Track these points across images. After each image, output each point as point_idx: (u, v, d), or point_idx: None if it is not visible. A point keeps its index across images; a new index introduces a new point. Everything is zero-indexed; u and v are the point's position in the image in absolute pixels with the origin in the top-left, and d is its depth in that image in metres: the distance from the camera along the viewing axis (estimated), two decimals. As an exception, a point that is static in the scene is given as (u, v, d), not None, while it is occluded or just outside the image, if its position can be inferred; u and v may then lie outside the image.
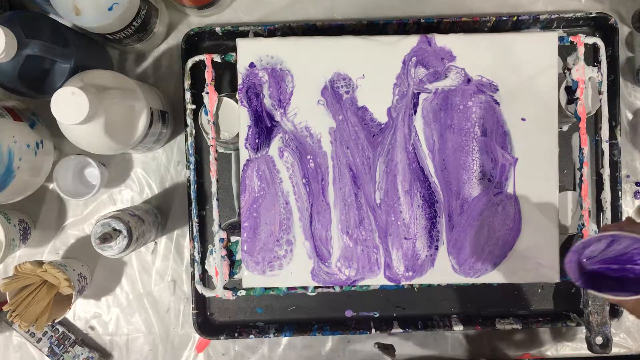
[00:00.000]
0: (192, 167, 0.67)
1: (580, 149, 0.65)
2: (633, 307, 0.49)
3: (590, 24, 0.71)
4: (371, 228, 0.64)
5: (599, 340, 0.66)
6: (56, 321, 0.70)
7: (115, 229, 0.63)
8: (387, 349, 0.67)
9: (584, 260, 0.52)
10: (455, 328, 0.70)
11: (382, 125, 0.64)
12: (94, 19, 0.58)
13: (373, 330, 0.70)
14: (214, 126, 0.65)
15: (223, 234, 0.66)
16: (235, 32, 0.69)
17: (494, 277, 0.65)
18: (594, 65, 0.66)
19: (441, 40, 0.64)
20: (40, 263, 0.66)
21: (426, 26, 0.69)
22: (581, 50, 0.65)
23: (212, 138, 0.65)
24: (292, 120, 0.64)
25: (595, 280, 0.51)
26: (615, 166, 0.69)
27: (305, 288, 0.67)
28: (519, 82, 0.64)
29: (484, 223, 0.64)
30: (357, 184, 0.64)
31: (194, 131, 0.67)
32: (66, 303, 0.68)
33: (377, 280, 0.65)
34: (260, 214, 0.64)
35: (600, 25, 0.70)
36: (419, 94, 0.64)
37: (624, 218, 0.70)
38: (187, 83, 0.67)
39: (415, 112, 0.64)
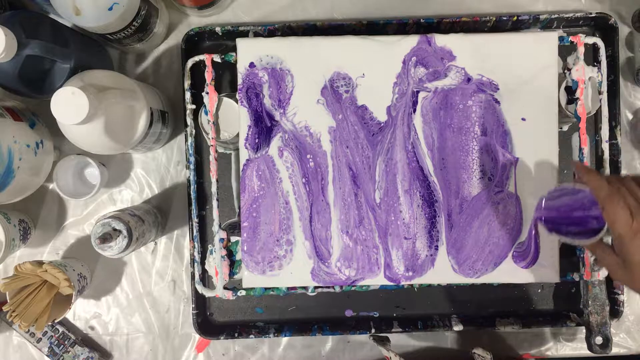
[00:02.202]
0: (192, 167, 0.67)
1: (580, 149, 0.65)
2: (592, 249, 0.55)
3: (590, 24, 0.71)
4: (371, 228, 0.64)
5: (599, 340, 0.66)
6: (56, 321, 0.70)
7: (115, 229, 0.63)
8: (382, 340, 0.67)
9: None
10: (455, 328, 0.70)
11: (382, 124, 0.64)
12: (94, 19, 0.58)
13: (373, 330, 0.70)
14: (214, 126, 0.65)
15: (223, 234, 0.66)
16: (235, 32, 0.69)
17: (494, 277, 0.65)
18: (594, 65, 0.66)
19: (441, 40, 0.64)
20: (40, 263, 0.66)
21: (426, 26, 0.69)
22: (581, 50, 0.65)
23: (212, 138, 0.65)
24: (291, 119, 0.64)
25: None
26: (615, 166, 0.69)
27: (305, 288, 0.67)
28: (519, 82, 0.64)
29: (484, 223, 0.64)
30: (356, 184, 0.64)
31: (194, 131, 0.68)
32: (66, 303, 0.68)
33: (377, 280, 0.65)
34: (260, 214, 0.64)
35: (600, 25, 0.70)
36: (418, 92, 0.64)
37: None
38: (187, 83, 0.67)
39: (414, 110, 0.64)
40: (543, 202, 0.58)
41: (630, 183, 0.51)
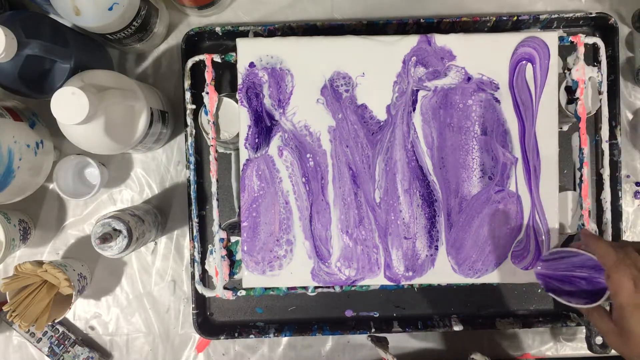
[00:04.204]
0: (192, 167, 0.67)
1: (580, 149, 0.65)
2: (589, 313, 0.56)
3: (590, 24, 0.71)
4: (371, 227, 0.64)
5: (599, 340, 0.66)
6: (56, 321, 0.70)
7: (115, 229, 0.63)
8: (380, 341, 0.67)
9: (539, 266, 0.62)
10: (455, 328, 0.70)
11: (381, 123, 0.64)
12: (94, 19, 0.58)
13: (373, 330, 0.70)
14: (214, 126, 0.65)
15: (223, 234, 0.66)
16: (235, 32, 0.69)
17: (494, 277, 0.65)
18: (594, 65, 0.66)
19: (441, 40, 0.64)
20: (40, 263, 0.66)
21: (426, 26, 0.69)
22: (581, 50, 0.65)
23: (212, 138, 0.65)
24: (291, 119, 0.64)
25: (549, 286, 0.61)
26: (615, 166, 0.69)
27: (305, 288, 0.66)
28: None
29: (484, 222, 0.64)
30: (356, 183, 0.64)
31: (194, 131, 0.67)
32: (66, 303, 0.68)
33: (377, 280, 0.65)
34: (260, 214, 0.64)
35: (600, 25, 0.70)
36: (418, 91, 0.64)
37: (623, 217, 0.70)
38: (187, 83, 0.67)
39: (414, 109, 0.64)
40: (542, 258, 0.62)
41: (633, 252, 0.52)
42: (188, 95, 0.67)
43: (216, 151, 0.66)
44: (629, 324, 0.50)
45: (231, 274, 0.66)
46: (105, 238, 0.62)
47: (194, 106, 0.67)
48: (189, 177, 0.68)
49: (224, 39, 0.71)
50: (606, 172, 0.67)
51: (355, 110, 0.64)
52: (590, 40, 0.66)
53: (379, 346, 0.66)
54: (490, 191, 0.64)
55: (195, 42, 0.71)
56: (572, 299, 0.58)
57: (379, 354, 0.72)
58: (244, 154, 0.64)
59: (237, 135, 0.65)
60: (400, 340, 0.74)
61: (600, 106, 0.66)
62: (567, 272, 0.59)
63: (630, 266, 0.51)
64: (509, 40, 0.64)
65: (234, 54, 0.65)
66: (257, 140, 0.64)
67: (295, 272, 0.65)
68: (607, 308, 0.58)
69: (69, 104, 0.53)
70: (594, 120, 0.70)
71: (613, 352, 0.68)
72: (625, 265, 0.51)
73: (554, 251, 0.62)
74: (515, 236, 0.64)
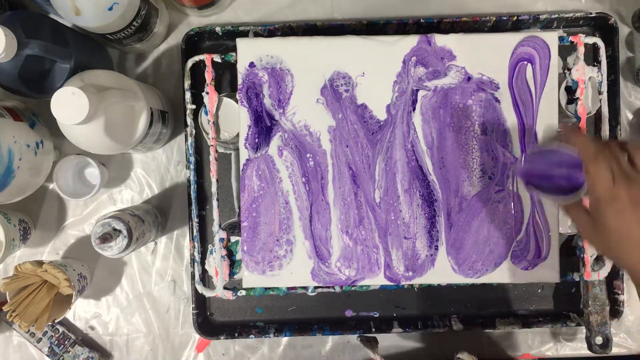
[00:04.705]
0: (192, 167, 0.67)
1: (580, 149, 0.65)
2: (567, 208, 0.56)
3: (590, 24, 0.71)
4: (371, 227, 0.64)
5: (599, 340, 0.66)
6: (56, 321, 0.70)
7: (115, 229, 0.63)
8: (370, 341, 0.67)
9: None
10: (455, 328, 0.70)
11: (381, 123, 0.64)
12: (94, 19, 0.58)
13: (373, 330, 0.70)
14: (214, 126, 0.65)
15: (223, 234, 0.66)
16: (235, 32, 0.69)
17: (494, 277, 0.65)
18: (594, 65, 0.66)
19: (441, 40, 0.64)
20: (40, 263, 0.66)
21: (426, 26, 0.69)
22: (581, 50, 0.65)
23: (212, 138, 0.65)
24: (291, 119, 0.64)
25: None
26: (615, 166, 0.69)
27: (305, 288, 0.67)
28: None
29: (484, 222, 0.64)
30: (356, 183, 0.64)
31: (194, 131, 0.67)
32: (66, 303, 0.68)
33: (377, 280, 0.65)
34: (260, 214, 0.64)
35: (600, 25, 0.70)
36: (417, 91, 0.64)
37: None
38: (187, 83, 0.67)
39: (414, 109, 0.64)
40: (524, 157, 0.60)
41: (616, 148, 0.51)
42: (188, 95, 0.67)
43: (216, 151, 0.66)
44: (604, 216, 0.50)
45: (231, 274, 0.66)
46: (105, 238, 0.62)
47: (194, 106, 0.67)
48: (189, 177, 0.68)
49: (224, 39, 0.71)
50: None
51: (355, 110, 0.64)
52: (590, 40, 0.66)
53: (368, 346, 0.66)
54: (490, 191, 0.64)
55: (195, 42, 0.71)
56: (552, 194, 0.58)
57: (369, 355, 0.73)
58: (244, 154, 0.64)
59: (237, 135, 0.65)
60: (400, 341, 0.74)
61: (600, 106, 0.66)
62: (548, 171, 0.58)
63: (609, 159, 0.50)
64: (509, 40, 0.64)
65: (234, 54, 0.65)
66: (257, 140, 0.64)
67: (295, 272, 0.65)
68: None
69: (69, 104, 0.53)
70: (594, 120, 0.70)
71: (613, 352, 0.68)
72: (603, 158, 0.50)
73: (536, 149, 0.61)
74: (515, 236, 0.64)
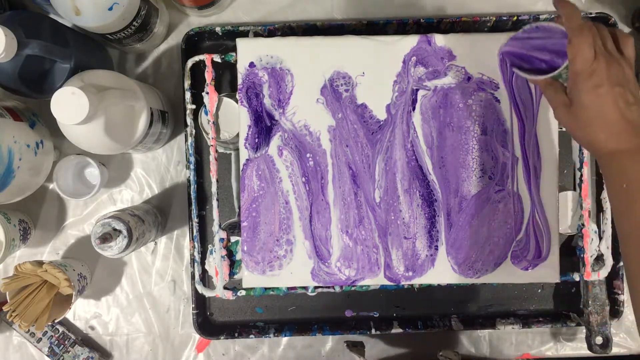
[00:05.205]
0: (192, 167, 0.67)
1: (580, 149, 0.65)
2: (544, 86, 0.55)
3: (590, 24, 0.71)
4: (371, 227, 0.64)
5: (599, 340, 0.66)
6: (56, 321, 0.70)
7: (115, 229, 0.63)
8: (356, 346, 0.67)
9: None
10: (455, 328, 0.70)
11: (381, 122, 0.64)
12: (94, 19, 0.58)
13: (373, 330, 0.70)
14: (214, 126, 0.65)
15: (223, 234, 0.66)
16: (235, 32, 0.69)
17: (494, 277, 0.65)
18: (594, 65, 0.66)
19: (441, 39, 0.64)
20: (40, 263, 0.66)
21: (426, 26, 0.69)
22: (581, 50, 0.65)
23: (212, 138, 0.65)
24: (290, 119, 0.64)
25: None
26: (615, 166, 0.69)
27: (305, 288, 0.67)
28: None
29: (484, 222, 0.64)
30: (356, 183, 0.64)
31: (194, 131, 0.68)
32: (66, 303, 0.68)
33: (377, 280, 0.65)
34: (259, 214, 0.64)
35: (600, 25, 0.70)
36: (417, 91, 0.64)
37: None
38: (187, 83, 0.67)
39: (413, 109, 0.64)
40: (512, 36, 0.59)
41: (603, 28, 0.51)
42: (188, 95, 0.67)
43: (216, 151, 0.66)
44: (580, 90, 0.50)
45: (231, 274, 0.66)
46: (105, 238, 0.62)
47: (194, 106, 0.67)
48: (189, 177, 0.68)
49: (224, 39, 0.71)
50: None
51: (355, 109, 0.64)
52: (590, 40, 0.66)
53: (354, 351, 0.66)
54: (490, 191, 0.64)
55: (195, 42, 0.71)
56: (532, 74, 0.56)
57: (379, 354, 0.73)
58: (244, 154, 0.64)
59: (237, 135, 0.65)
60: (399, 340, 0.74)
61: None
62: (531, 52, 0.57)
63: (595, 35, 0.50)
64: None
65: (234, 54, 0.65)
66: (257, 140, 0.64)
67: (295, 272, 0.65)
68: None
69: (69, 104, 0.53)
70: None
71: (613, 352, 0.68)
72: (588, 31, 0.49)
73: (525, 28, 0.58)
74: (515, 236, 0.64)
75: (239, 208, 0.67)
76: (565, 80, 0.54)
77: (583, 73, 0.49)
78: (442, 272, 0.65)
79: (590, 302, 0.67)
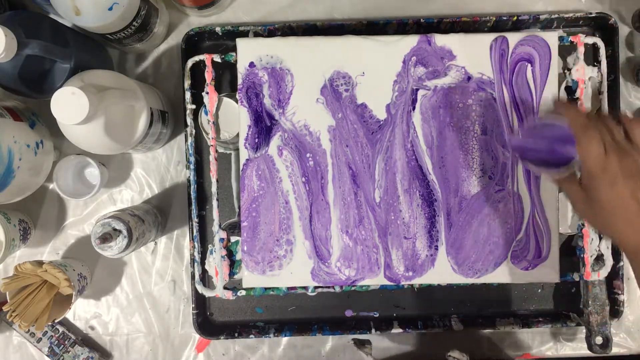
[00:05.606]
0: (192, 167, 0.67)
1: (580, 149, 0.65)
2: (559, 181, 0.55)
3: (590, 24, 0.71)
4: (371, 227, 0.64)
5: (599, 340, 0.66)
6: (56, 321, 0.70)
7: (115, 229, 0.63)
8: (363, 344, 0.67)
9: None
10: (455, 328, 0.70)
11: (381, 122, 0.64)
12: (94, 19, 0.58)
13: (373, 330, 0.70)
14: (214, 126, 0.65)
15: (223, 234, 0.66)
16: (235, 32, 0.69)
17: (494, 277, 0.65)
18: (594, 65, 0.66)
19: (441, 39, 0.64)
20: (40, 263, 0.66)
21: (426, 26, 0.69)
22: (581, 50, 0.65)
23: (212, 138, 0.65)
24: (290, 119, 0.64)
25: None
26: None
27: (305, 288, 0.67)
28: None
29: (484, 222, 0.64)
30: (356, 183, 0.64)
31: (194, 131, 0.68)
32: (66, 303, 0.68)
33: (377, 280, 0.65)
34: (259, 214, 0.64)
35: (600, 25, 0.70)
36: (417, 90, 0.64)
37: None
38: (187, 83, 0.67)
39: (413, 108, 0.64)
40: (519, 130, 0.60)
41: (608, 120, 0.51)
42: (188, 95, 0.67)
43: (216, 151, 0.66)
44: (596, 189, 0.49)
45: (231, 274, 0.66)
46: (105, 238, 0.62)
47: (194, 106, 0.67)
48: (189, 177, 0.68)
49: (224, 39, 0.71)
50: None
51: (355, 109, 0.64)
52: (590, 40, 0.66)
53: (362, 349, 0.66)
54: (490, 191, 0.64)
55: (195, 42, 0.71)
56: (545, 168, 0.57)
57: (380, 354, 0.73)
58: (244, 154, 0.64)
59: (237, 135, 0.65)
60: (399, 341, 0.74)
61: (600, 106, 0.66)
62: (542, 144, 0.57)
63: (601, 130, 0.49)
64: (509, 40, 0.64)
65: (234, 54, 0.65)
66: (257, 140, 0.64)
67: (295, 272, 0.65)
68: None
69: (69, 104, 0.53)
70: (594, 120, 0.70)
71: (613, 352, 0.68)
72: (594, 129, 0.49)
73: (530, 123, 0.60)
74: (515, 236, 0.64)
75: (239, 208, 0.67)
76: (579, 169, 0.53)
77: (596, 171, 0.49)
78: (442, 272, 0.65)
79: (590, 302, 0.67)
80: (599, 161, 0.48)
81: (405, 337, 0.74)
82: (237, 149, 0.67)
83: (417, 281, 0.65)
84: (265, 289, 0.67)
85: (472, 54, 0.64)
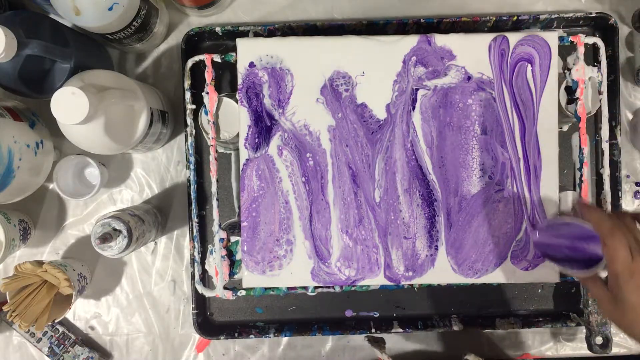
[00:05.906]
0: (192, 167, 0.67)
1: (580, 149, 0.65)
2: (585, 281, 0.57)
3: (590, 24, 0.71)
4: (371, 227, 0.64)
5: (599, 340, 0.66)
6: (56, 321, 0.70)
7: (115, 229, 0.63)
8: (377, 342, 0.67)
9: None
10: (455, 328, 0.70)
11: (381, 122, 0.64)
12: (94, 19, 0.58)
13: (373, 330, 0.70)
14: (214, 126, 0.65)
15: (223, 234, 0.66)
16: (235, 32, 0.69)
17: (494, 277, 0.65)
18: (594, 65, 0.66)
19: (441, 39, 0.64)
20: (40, 263, 0.66)
21: (426, 26, 0.69)
22: (581, 50, 0.65)
23: (212, 138, 0.65)
24: (290, 119, 0.64)
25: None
26: (615, 166, 0.69)
27: (305, 288, 0.66)
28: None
29: (484, 222, 0.64)
30: (356, 182, 0.64)
31: (194, 131, 0.68)
32: (66, 303, 0.68)
33: (377, 280, 0.65)
34: (259, 214, 0.64)
35: (600, 25, 0.70)
36: (417, 90, 0.64)
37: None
38: (187, 83, 0.67)
39: (413, 108, 0.64)
40: (540, 227, 0.62)
41: (631, 221, 0.52)
42: (188, 95, 0.67)
43: (216, 151, 0.66)
44: (623, 292, 0.50)
45: (231, 274, 0.66)
46: (105, 238, 0.62)
47: (194, 106, 0.67)
48: (189, 177, 0.68)
49: (224, 39, 0.71)
50: (606, 172, 0.67)
51: (354, 109, 0.64)
52: (590, 40, 0.66)
53: (375, 347, 0.66)
54: (490, 190, 0.64)
55: (195, 42, 0.71)
56: (569, 266, 0.58)
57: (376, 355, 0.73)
58: (244, 154, 0.64)
59: (237, 135, 0.65)
60: (399, 341, 0.74)
61: (600, 106, 0.66)
62: (565, 242, 0.58)
63: (626, 233, 0.50)
64: (509, 40, 0.64)
65: (234, 54, 0.65)
66: (257, 140, 0.64)
67: (295, 272, 0.65)
68: (604, 276, 0.57)
69: (69, 104, 0.53)
70: (594, 120, 0.70)
71: (613, 352, 0.68)
72: (620, 233, 0.50)
73: (551, 221, 0.62)
74: (515, 236, 0.64)
75: (239, 208, 0.67)
76: (604, 269, 0.54)
77: (623, 275, 0.50)
78: (442, 272, 0.65)
79: (590, 302, 0.67)
80: (626, 265, 0.49)
81: (410, 337, 0.74)
82: (237, 149, 0.67)
83: (417, 281, 0.65)
84: (265, 289, 0.67)
85: (472, 54, 0.64)
